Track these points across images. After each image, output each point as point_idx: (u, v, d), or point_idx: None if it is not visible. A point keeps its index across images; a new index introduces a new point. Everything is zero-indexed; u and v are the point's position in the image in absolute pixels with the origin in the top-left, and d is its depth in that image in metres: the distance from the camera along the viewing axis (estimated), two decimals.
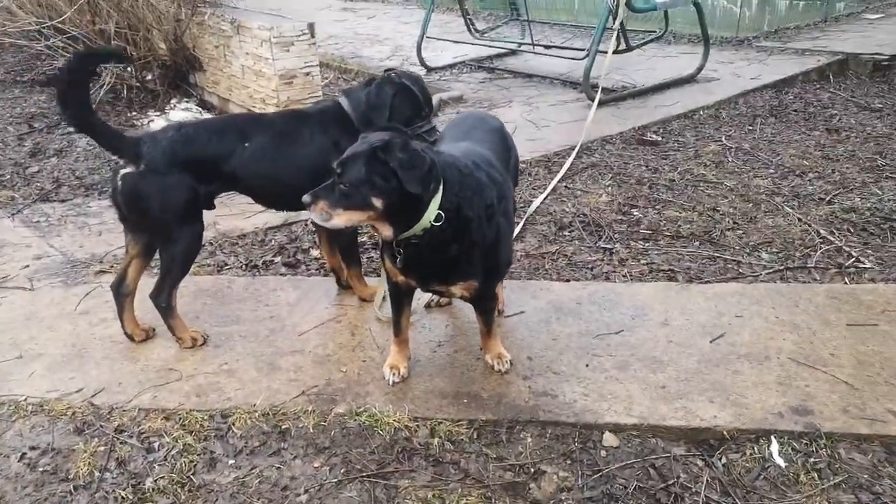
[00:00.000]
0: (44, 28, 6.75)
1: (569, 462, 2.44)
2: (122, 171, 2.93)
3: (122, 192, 2.93)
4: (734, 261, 3.81)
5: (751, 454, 2.41)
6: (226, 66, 6.55)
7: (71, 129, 6.24)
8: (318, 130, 3.16)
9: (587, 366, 2.87)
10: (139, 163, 2.89)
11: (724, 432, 2.48)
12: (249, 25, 5.94)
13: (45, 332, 3.26)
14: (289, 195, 3.17)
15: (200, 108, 6.92)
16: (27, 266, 3.91)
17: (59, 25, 6.62)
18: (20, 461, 2.50)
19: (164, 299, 3.07)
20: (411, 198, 2.32)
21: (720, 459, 2.42)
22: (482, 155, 2.73)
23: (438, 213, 2.39)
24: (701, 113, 6.49)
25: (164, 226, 2.96)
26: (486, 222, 2.51)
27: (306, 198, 2.41)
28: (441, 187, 2.39)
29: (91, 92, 6.37)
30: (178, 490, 2.36)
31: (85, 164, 5.45)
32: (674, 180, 4.95)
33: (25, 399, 2.80)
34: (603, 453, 2.47)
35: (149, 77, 7.13)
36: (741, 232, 4.16)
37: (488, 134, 3.04)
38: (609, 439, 2.50)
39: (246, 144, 3.06)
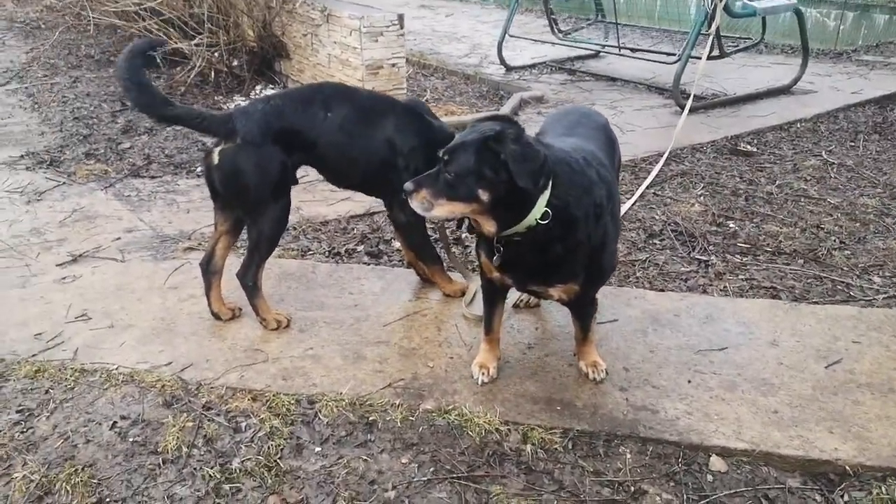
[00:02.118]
0: (141, 10, 6.93)
1: (672, 484, 2.28)
2: (219, 148, 2.91)
3: (220, 168, 2.92)
4: (843, 282, 3.55)
5: (878, 494, 2.20)
6: (312, 55, 6.58)
7: None
8: (402, 123, 3.08)
9: (689, 382, 2.70)
10: (235, 138, 2.88)
11: (847, 467, 2.28)
12: (339, 14, 5.94)
13: (136, 304, 3.29)
14: (355, 175, 3.15)
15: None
16: (118, 238, 3.98)
17: (156, 7, 6.78)
18: (111, 429, 2.51)
19: (250, 277, 3.06)
20: (520, 193, 2.20)
21: (842, 497, 2.22)
22: (593, 152, 2.59)
23: (545, 211, 2.26)
24: (798, 125, 6.18)
25: (258, 199, 2.94)
26: (593, 223, 2.37)
27: (408, 185, 2.31)
28: (550, 183, 2.27)
29: (187, 70, 6.52)
30: (265, 473, 2.31)
31: (174, 144, 5.55)
32: (772, 193, 4.69)
33: (117, 368, 2.82)
34: (709, 478, 2.30)
35: (235, 63, 7.23)
36: (849, 252, 3.89)
37: (594, 131, 2.90)
38: (716, 463, 2.33)
39: (329, 114, 3.00)
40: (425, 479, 2.30)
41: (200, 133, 3.05)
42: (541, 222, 2.27)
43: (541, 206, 2.25)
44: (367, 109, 3.10)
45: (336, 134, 3.01)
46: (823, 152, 5.51)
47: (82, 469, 2.33)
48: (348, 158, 3.08)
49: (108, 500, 2.22)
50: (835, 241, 4.02)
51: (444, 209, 2.28)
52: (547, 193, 2.26)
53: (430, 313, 3.23)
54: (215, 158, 2.93)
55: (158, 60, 7.42)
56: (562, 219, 2.30)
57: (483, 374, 2.73)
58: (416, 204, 2.31)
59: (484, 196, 2.23)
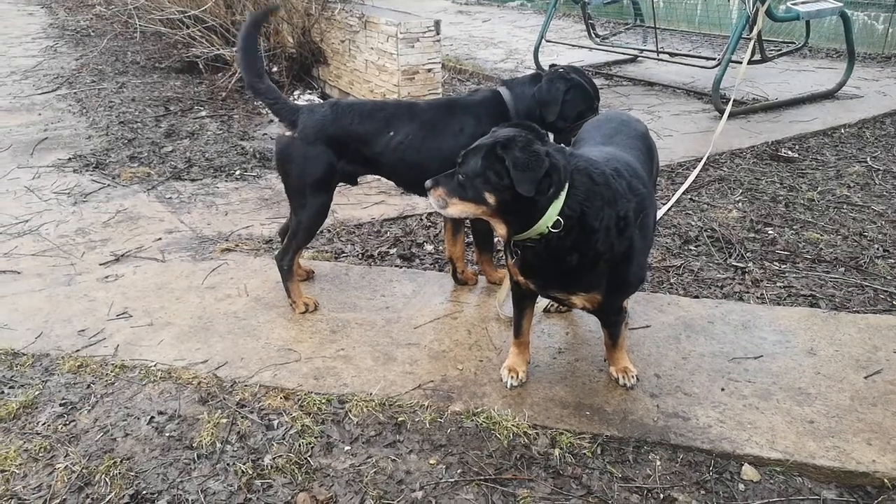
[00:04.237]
0: (185, 17, 7.12)
1: (703, 492, 2.25)
2: (280, 134, 3.19)
3: (275, 152, 3.22)
4: (886, 291, 3.45)
5: None
6: (349, 61, 6.67)
7: (202, 114, 6.57)
8: (472, 121, 3.15)
9: (722, 390, 2.66)
10: (294, 130, 3.11)
11: (886, 480, 2.21)
12: (377, 21, 6.02)
13: (174, 303, 3.38)
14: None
15: (322, 101, 7.10)
16: (160, 239, 4.09)
17: (200, 15, 6.96)
18: (149, 424, 2.58)
19: (287, 262, 3.25)
20: (525, 199, 2.23)
21: None
22: (627, 162, 2.57)
23: (557, 220, 2.27)
24: (842, 131, 6.03)
25: (298, 191, 3.15)
26: (616, 235, 2.35)
27: (429, 183, 2.44)
28: (564, 193, 2.27)
29: (228, 76, 6.71)
30: (295, 470, 2.35)
31: (214, 147, 5.68)
32: (813, 200, 4.59)
33: (155, 365, 2.90)
34: (741, 487, 2.26)
35: (275, 69, 7.38)
36: (893, 261, 3.77)
37: (633, 139, 2.86)
38: (748, 472, 2.29)
39: (391, 133, 3.11)
40: (453, 480, 2.31)
41: (273, 114, 3.25)
42: (552, 230, 2.28)
43: (552, 215, 2.27)
44: (434, 118, 3.19)
45: (408, 150, 3.13)
46: (868, 158, 5.37)
47: (121, 462, 2.40)
48: (425, 170, 3.11)
49: (144, 492, 2.28)
50: (878, 248, 3.91)
51: (456, 208, 2.39)
52: (559, 202, 2.27)
53: (461, 316, 3.25)
54: (276, 143, 3.23)
55: (201, 66, 7.62)
56: (575, 228, 2.30)
57: (512, 377, 2.73)
58: (433, 200, 2.43)
59: (490, 199, 2.29)
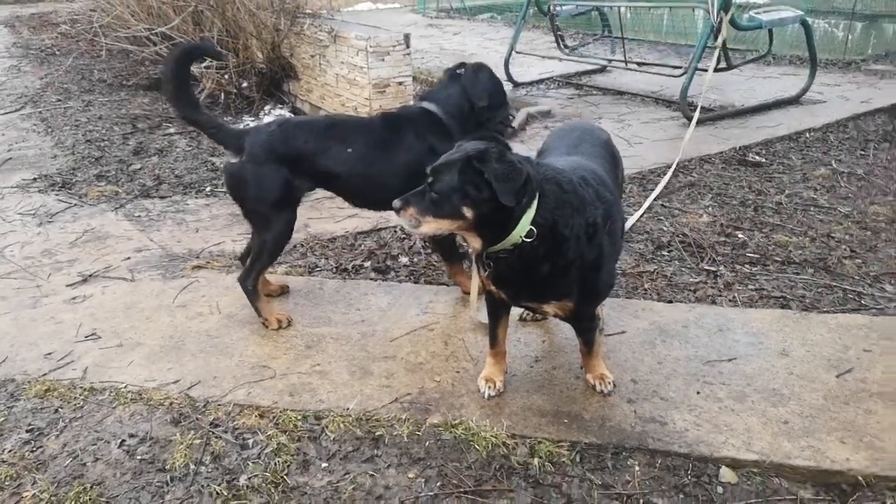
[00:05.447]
0: (152, 34, 7.05)
1: (682, 496, 2.25)
2: (228, 161, 3.10)
3: (225, 179, 3.15)
4: (854, 291, 3.51)
5: None
6: (320, 75, 6.66)
7: (171, 131, 6.50)
8: (414, 136, 3.18)
9: (698, 393, 2.67)
10: (241, 154, 3.04)
11: (860, 477, 2.24)
12: (346, 35, 6.02)
13: (144, 323, 3.32)
14: (382, 198, 3.17)
15: (293, 116, 7.06)
16: (128, 258, 4.02)
17: (167, 32, 6.90)
18: (119, 448, 2.52)
19: (250, 282, 3.20)
20: (502, 210, 2.23)
21: None
22: (593, 170, 2.59)
23: (530, 229, 2.27)
24: (807, 135, 6.15)
25: (258, 213, 3.11)
26: (585, 242, 2.36)
27: (396, 203, 2.36)
28: (535, 202, 2.28)
29: (196, 92, 6.67)
30: (272, 490, 2.31)
31: (184, 164, 5.61)
32: (781, 203, 4.67)
33: (125, 387, 2.84)
34: (720, 490, 2.27)
35: (245, 84, 7.33)
36: (860, 261, 3.85)
37: (597, 148, 2.90)
38: (726, 475, 2.30)
39: (341, 146, 3.11)
40: (432, 493, 2.29)
41: (215, 143, 3.20)
42: (525, 240, 2.28)
43: (525, 224, 2.27)
44: (381, 132, 3.19)
45: (358, 164, 3.12)
46: (833, 161, 5.48)
47: (91, 487, 2.34)
48: (375, 184, 3.16)
49: None
50: (845, 249, 3.98)
51: (430, 226, 2.33)
52: (532, 212, 2.27)
53: (437, 328, 3.23)
54: (225, 171, 3.15)
55: None
56: (547, 237, 2.30)
57: (489, 387, 2.72)
58: (403, 221, 2.36)
59: (468, 213, 2.27)
